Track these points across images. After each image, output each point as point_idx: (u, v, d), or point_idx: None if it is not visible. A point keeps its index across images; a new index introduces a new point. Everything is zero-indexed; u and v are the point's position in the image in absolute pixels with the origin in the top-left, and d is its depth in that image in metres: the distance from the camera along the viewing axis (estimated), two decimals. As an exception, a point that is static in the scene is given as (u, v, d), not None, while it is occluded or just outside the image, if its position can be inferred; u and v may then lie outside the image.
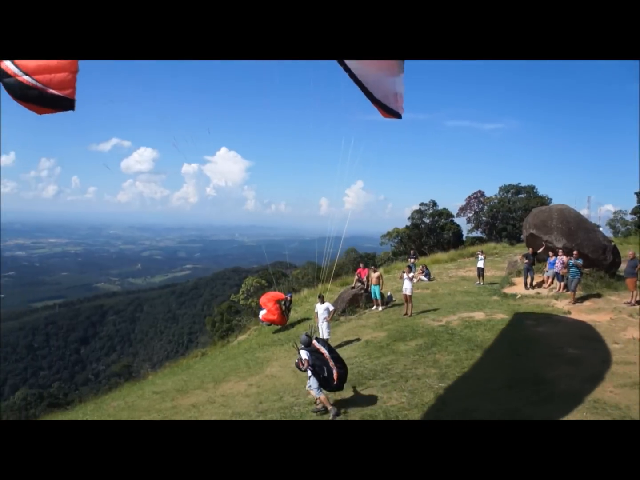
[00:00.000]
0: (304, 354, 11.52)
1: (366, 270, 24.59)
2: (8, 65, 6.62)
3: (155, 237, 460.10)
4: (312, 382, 11.65)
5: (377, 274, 23.32)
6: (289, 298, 24.72)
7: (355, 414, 10.51)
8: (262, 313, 24.05)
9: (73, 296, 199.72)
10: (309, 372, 11.54)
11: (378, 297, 22.94)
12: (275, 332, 23.56)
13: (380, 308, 22.77)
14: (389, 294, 24.39)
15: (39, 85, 6.36)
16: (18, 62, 6.67)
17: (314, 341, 11.90)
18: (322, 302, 18.07)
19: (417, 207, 55.49)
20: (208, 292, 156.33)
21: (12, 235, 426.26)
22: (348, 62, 8.02)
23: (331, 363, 11.53)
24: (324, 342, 12.17)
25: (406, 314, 20.66)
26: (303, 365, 11.47)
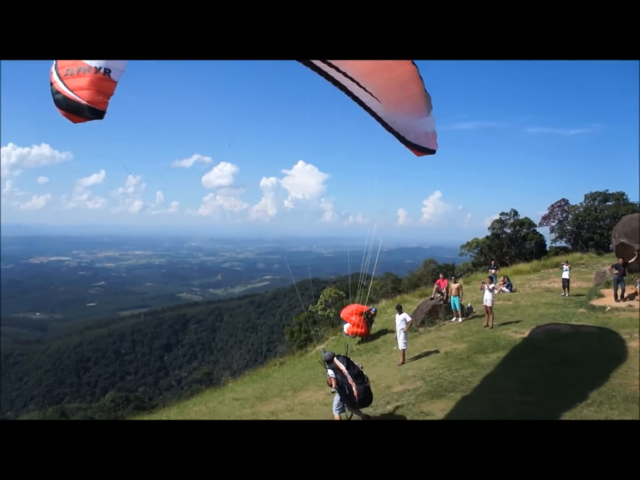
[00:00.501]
0: (331, 373, 11.42)
1: (446, 281, 24.19)
2: (56, 80, 6.32)
3: (235, 248, 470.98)
4: (335, 400, 11.76)
5: (457, 284, 22.91)
6: (372, 312, 24.58)
7: (434, 426, 10.28)
8: (346, 326, 23.69)
9: (157, 305, 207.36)
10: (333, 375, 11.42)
11: (458, 308, 22.50)
12: (358, 342, 23.45)
13: (460, 319, 22.33)
14: (469, 305, 23.84)
15: (72, 95, 6.08)
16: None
17: (335, 359, 11.71)
18: (400, 312, 17.95)
19: (497, 217, 54.06)
20: (286, 303, 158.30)
21: (102, 247, 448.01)
22: (378, 111, 9.02)
23: (350, 380, 11.31)
24: (344, 359, 11.86)
25: (487, 325, 20.14)
26: (331, 384, 11.43)
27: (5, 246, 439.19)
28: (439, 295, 24.10)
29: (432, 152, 9.94)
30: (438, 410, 11.46)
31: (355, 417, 11.93)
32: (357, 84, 8.53)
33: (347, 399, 11.44)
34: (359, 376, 11.50)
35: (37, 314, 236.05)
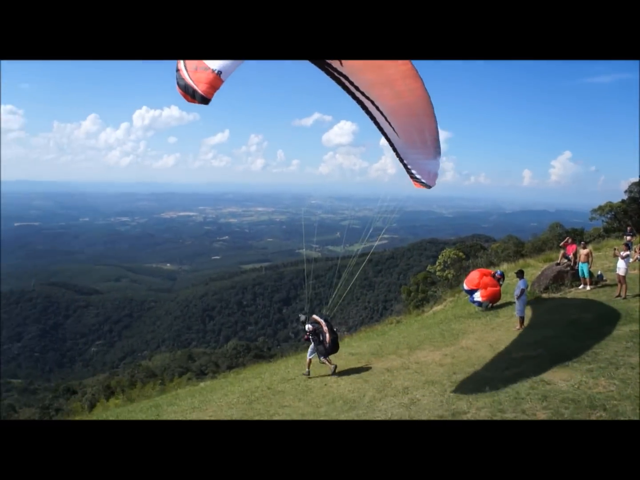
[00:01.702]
0: (308, 327, 15.15)
1: (574, 246, 22.81)
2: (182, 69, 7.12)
3: (354, 207, 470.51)
4: (310, 348, 15.29)
5: (586, 250, 21.52)
6: (498, 275, 23.13)
7: (555, 396, 9.86)
8: (477, 294, 21.79)
9: (277, 260, 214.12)
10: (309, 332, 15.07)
11: (586, 275, 21.16)
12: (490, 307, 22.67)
13: (588, 287, 21.02)
14: (599, 272, 22.32)
15: (192, 84, 7.19)
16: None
17: (315, 316, 15.59)
18: (522, 277, 17.30)
19: (636, 179, 49.95)
20: (404, 262, 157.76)
21: (226, 204, 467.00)
22: (395, 143, 10.54)
23: (325, 329, 14.98)
24: (324, 316, 15.64)
25: (619, 295, 18.79)
26: (307, 339, 15.10)
27: (139, 201, 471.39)
28: (565, 260, 22.84)
29: (428, 187, 11.36)
30: (560, 380, 10.97)
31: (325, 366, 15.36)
32: (385, 118, 10.29)
33: (319, 345, 14.93)
34: (332, 330, 15.06)
35: (168, 264, 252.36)
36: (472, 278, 22.39)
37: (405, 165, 10.87)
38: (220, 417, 12.79)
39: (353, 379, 14.44)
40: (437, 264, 44.79)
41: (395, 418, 9.98)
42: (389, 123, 10.40)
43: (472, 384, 11.63)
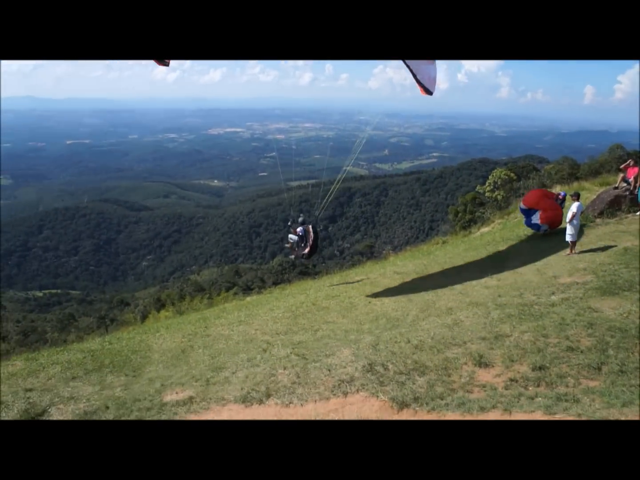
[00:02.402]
0: (300, 229, 16.81)
1: (636, 169, 21.56)
2: None
3: (403, 123, 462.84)
4: (293, 239, 17.13)
5: (649, 174, 20.36)
6: (561, 196, 21.46)
7: (602, 324, 9.65)
8: (536, 216, 19.76)
9: (324, 177, 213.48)
10: (296, 238, 16.97)
11: (646, 200, 20.14)
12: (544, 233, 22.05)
13: (646, 213, 20.05)
14: (661, 197, 21.19)
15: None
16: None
17: (308, 226, 16.93)
18: (577, 200, 16.70)
19: None
20: (453, 182, 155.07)
21: (273, 119, 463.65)
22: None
23: (311, 238, 16.55)
24: (313, 226, 17.06)
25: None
26: (294, 241, 16.92)
27: (186, 118, 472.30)
28: (624, 184, 21.72)
29: (431, 93, 13.17)
30: (609, 308, 10.68)
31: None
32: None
33: (301, 243, 16.77)
34: (315, 241, 16.75)
35: (215, 181, 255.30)
36: (532, 197, 20.33)
37: (411, 71, 12.18)
38: (265, 331, 13.10)
39: (397, 297, 14.49)
40: (486, 184, 43.75)
41: (437, 338, 10.00)
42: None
43: (516, 308, 11.48)
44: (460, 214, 45.14)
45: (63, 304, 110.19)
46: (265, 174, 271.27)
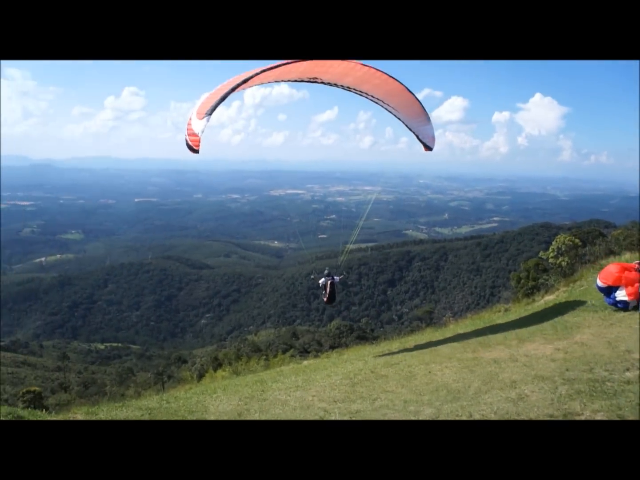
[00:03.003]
0: (322, 280, 18.28)
1: None
2: None
3: (463, 187, 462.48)
4: (322, 283, 18.35)
5: None
6: (638, 266, 19.72)
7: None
8: (622, 293, 17.67)
9: (383, 241, 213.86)
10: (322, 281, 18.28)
11: None
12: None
13: None
14: None
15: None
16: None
17: (333, 278, 18.27)
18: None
19: None
20: (514, 247, 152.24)
21: (334, 182, 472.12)
22: (402, 118, 14.65)
23: (327, 291, 18.27)
24: (332, 283, 18.34)
25: None
26: (325, 285, 18.19)
27: (249, 179, 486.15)
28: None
29: (431, 149, 15.31)
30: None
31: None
32: (383, 101, 14.47)
33: (323, 290, 18.48)
34: (333, 291, 18.43)
35: (276, 242, 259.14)
36: (610, 272, 18.17)
37: (413, 132, 14.39)
38: (323, 398, 12.88)
39: (458, 368, 14.04)
40: (550, 250, 42.57)
41: (501, 413, 9.57)
42: (388, 104, 14.39)
43: (586, 384, 10.90)
44: (522, 281, 43.96)
45: (123, 357, 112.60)
46: (324, 236, 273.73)
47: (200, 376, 35.75)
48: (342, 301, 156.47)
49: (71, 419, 11.08)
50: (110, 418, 11.94)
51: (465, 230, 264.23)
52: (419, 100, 14.37)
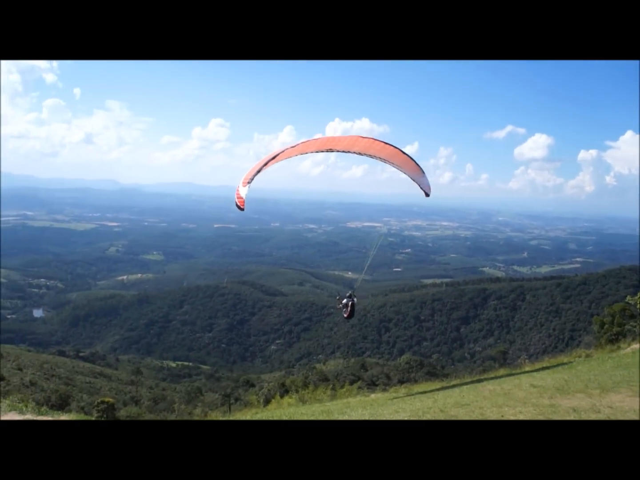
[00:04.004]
0: (345, 300, 19.74)
1: None
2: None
3: (544, 226, 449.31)
4: (343, 302, 19.77)
5: None
6: None
7: None
8: None
9: (459, 277, 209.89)
10: (344, 304, 19.72)
11: None
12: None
13: None
14: None
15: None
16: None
17: (353, 299, 19.85)
18: None
19: None
20: (598, 290, 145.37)
21: (411, 216, 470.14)
22: (404, 172, 17.30)
23: (349, 309, 19.54)
24: (353, 303, 19.78)
25: None
26: (343, 304, 19.75)
27: (327, 210, 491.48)
28: None
29: (428, 195, 18.16)
30: None
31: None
32: (386, 161, 17.15)
33: (344, 308, 19.67)
34: (353, 309, 19.88)
35: (349, 273, 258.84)
36: None
37: (416, 182, 17.33)
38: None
39: (533, 414, 13.25)
40: (638, 295, 40.33)
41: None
42: (392, 163, 17.03)
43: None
44: (606, 326, 41.66)
45: (193, 376, 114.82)
46: (399, 269, 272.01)
47: (267, 401, 35.73)
48: (414, 336, 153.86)
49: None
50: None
51: (545, 270, 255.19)
52: (412, 159, 16.95)
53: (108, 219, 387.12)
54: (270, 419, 15.30)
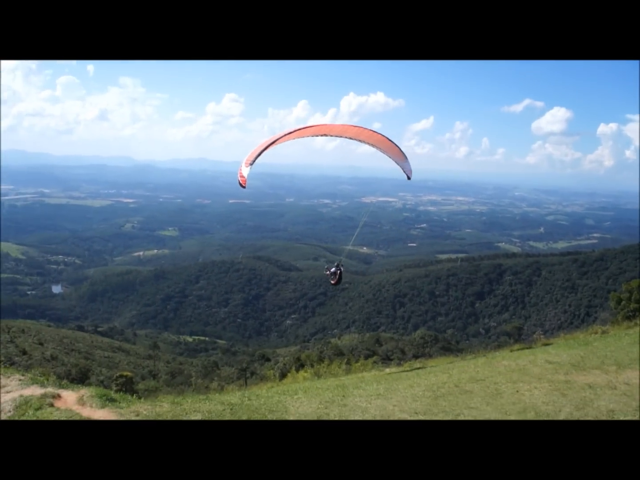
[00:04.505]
0: (334, 269, 20.56)
1: None
2: None
3: (562, 201, 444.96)
4: (331, 271, 20.66)
5: None
6: None
7: None
8: None
9: (474, 252, 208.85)
10: (332, 272, 20.64)
11: None
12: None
13: None
14: None
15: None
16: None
17: (340, 267, 20.67)
18: None
19: None
20: (615, 266, 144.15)
21: (426, 191, 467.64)
22: (390, 157, 18.29)
23: (337, 276, 20.41)
24: (341, 272, 20.66)
25: None
26: (335, 273, 20.50)
27: (342, 185, 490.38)
28: None
29: (409, 179, 19.21)
30: None
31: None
32: (375, 146, 17.89)
33: (333, 276, 20.52)
34: (341, 276, 20.73)
35: (365, 248, 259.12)
36: None
37: (400, 166, 18.52)
38: (404, 409, 12.57)
39: (548, 389, 13.30)
40: (656, 271, 39.96)
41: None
42: (380, 148, 17.87)
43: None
44: (623, 302, 41.37)
45: (209, 351, 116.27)
46: (414, 244, 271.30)
47: (282, 375, 36.14)
48: (429, 311, 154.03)
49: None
50: (194, 409, 12.23)
51: (561, 245, 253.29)
52: (397, 145, 18.23)
53: (123, 196, 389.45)
54: (286, 393, 15.42)
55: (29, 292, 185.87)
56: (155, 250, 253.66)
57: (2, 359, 34.27)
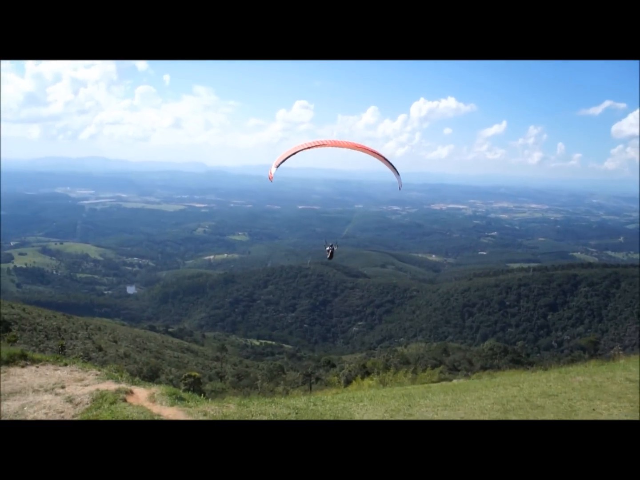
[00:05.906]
0: (329, 247, 22.89)
1: None
2: None
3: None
4: (328, 249, 22.99)
5: None
6: None
7: None
8: None
9: (547, 262, 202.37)
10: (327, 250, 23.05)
11: None
12: None
13: None
14: None
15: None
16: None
17: (334, 247, 23.17)
18: None
19: None
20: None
21: (498, 198, 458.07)
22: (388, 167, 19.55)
23: (330, 253, 22.94)
24: (333, 250, 23.18)
25: None
26: (327, 250, 22.92)
27: (411, 192, 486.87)
28: None
29: (400, 189, 20.10)
30: None
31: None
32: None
33: (328, 253, 22.91)
34: (333, 253, 23.22)
35: (433, 256, 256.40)
36: None
37: (397, 179, 19.78)
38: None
39: (629, 410, 12.56)
40: None
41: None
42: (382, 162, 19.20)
43: None
44: None
45: (275, 355, 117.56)
46: (484, 253, 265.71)
47: (347, 382, 35.98)
48: (498, 321, 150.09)
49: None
50: (260, 412, 12.30)
51: (637, 256, 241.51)
52: (390, 162, 19.63)
53: (196, 201, 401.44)
54: (350, 400, 15.28)
55: (105, 292, 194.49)
56: (225, 255, 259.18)
57: (81, 354, 35.88)
